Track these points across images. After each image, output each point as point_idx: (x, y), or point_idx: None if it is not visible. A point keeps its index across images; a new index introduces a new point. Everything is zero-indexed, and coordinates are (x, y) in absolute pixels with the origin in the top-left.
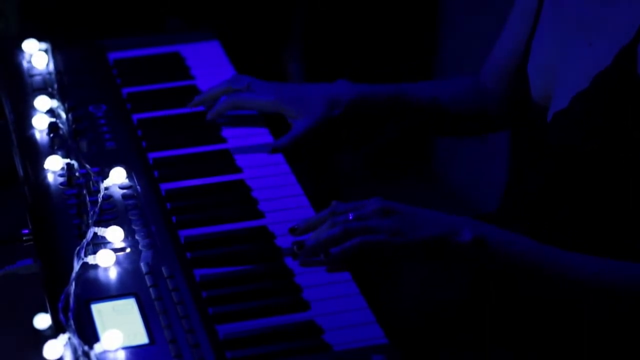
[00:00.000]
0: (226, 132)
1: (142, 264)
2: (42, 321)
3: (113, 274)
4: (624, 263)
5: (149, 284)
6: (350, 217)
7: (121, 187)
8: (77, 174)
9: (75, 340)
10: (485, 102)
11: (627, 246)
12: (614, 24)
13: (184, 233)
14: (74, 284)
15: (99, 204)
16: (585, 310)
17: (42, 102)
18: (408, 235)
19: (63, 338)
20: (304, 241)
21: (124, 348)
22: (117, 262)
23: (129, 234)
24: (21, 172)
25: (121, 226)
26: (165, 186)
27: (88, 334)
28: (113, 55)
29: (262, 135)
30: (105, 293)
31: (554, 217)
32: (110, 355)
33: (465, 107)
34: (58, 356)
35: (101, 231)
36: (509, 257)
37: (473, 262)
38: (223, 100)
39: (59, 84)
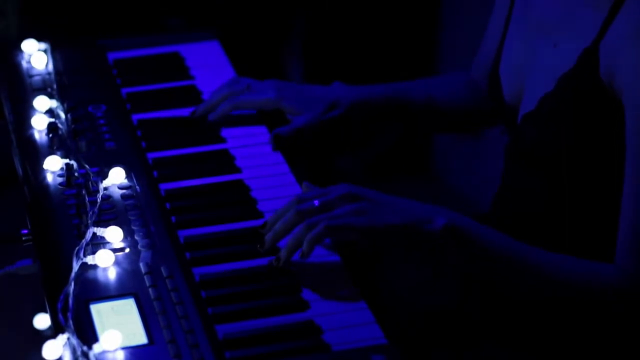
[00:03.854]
0: (225, 132)
1: (141, 264)
2: (41, 321)
3: (112, 274)
4: (600, 264)
5: (148, 284)
6: (316, 204)
7: (120, 187)
8: (76, 174)
9: (75, 341)
10: (478, 97)
11: (604, 246)
12: (577, 25)
13: (183, 233)
14: (73, 284)
15: (98, 204)
16: (553, 310)
17: (42, 102)
18: (375, 220)
19: (62, 338)
20: (277, 256)
21: (123, 348)
22: (116, 262)
23: (128, 234)
24: (20, 172)
25: (120, 226)
26: (164, 186)
27: (87, 334)
28: (113, 55)
29: (261, 135)
30: (105, 293)
31: (542, 218)
32: (109, 355)
33: (460, 104)
34: (57, 356)
35: (100, 231)
36: (480, 249)
37: (442, 251)
38: (224, 104)
39: (59, 84)
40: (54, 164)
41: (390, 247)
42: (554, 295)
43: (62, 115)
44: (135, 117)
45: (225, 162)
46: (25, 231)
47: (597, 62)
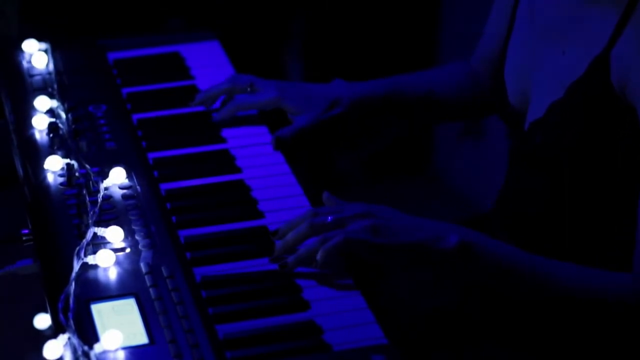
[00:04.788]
0: (226, 132)
1: (142, 264)
2: (42, 321)
3: (113, 274)
4: (609, 272)
5: (148, 284)
6: (330, 219)
7: (121, 187)
8: (77, 174)
9: (75, 341)
10: (478, 86)
11: (612, 253)
12: (586, 32)
13: (183, 233)
14: (73, 284)
15: (98, 204)
16: (570, 318)
17: (42, 102)
18: (388, 238)
19: (63, 338)
20: (286, 262)
21: (124, 348)
22: (117, 262)
23: (128, 234)
24: (21, 172)
25: (121, 226)
26: (165, 186)
27: (88, 334)
28: (113, 55)
29: (261, 135)
30: (105, 293)
31: (543, 219)
32: (110, 355)
33: (461, 94)
34: (58, 356)
35: (101, 231)
36: (494, 265)
37: (457, 269)
38: (228, 106)
39: (59, 84)
40: (54, 164)
41: (402, 264)
42: (569, 307)
43: (63, 115)
44: (136, 117)
45: (225, 162)
46: (26, 231)
47: (609, 70)
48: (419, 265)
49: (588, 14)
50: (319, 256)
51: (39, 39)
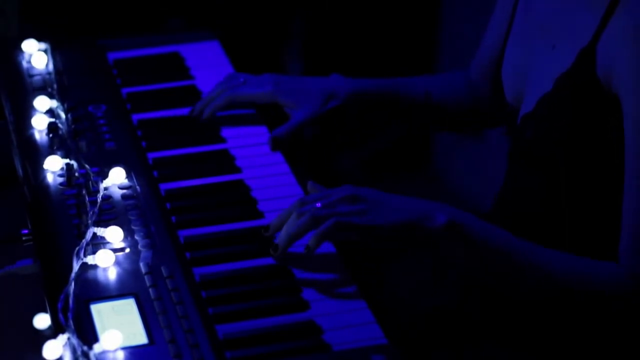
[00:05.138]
0: (225, 132)
1: (141, 264)
2: (41, 321)
3: (112, 274)
4: (602, 262)
5: (148, 284)
6: (318, 205)
7: (121, 187)
8: (76, 174)
9: (75, 341)
10: (476, 97)
11: (612, 252)
12: (574, 27)
13: (183, 233)
14: (73, 284)
15: (98, 204)
16: (555, 309)
17: (42, 102)
18: (377, 219)
19: (62, 338)
20: (276, 245)
21: (123, 348)
22: (117, 262)
23: (128, 234)
24: (21, 172)
25: (120, 226)
26: (164, 186)
27: (87, 334)
28: (113, 55)
29: (261, 135)
30: (105, 293)
31: (542, 218)
32: (110, 355)
33: (458, 102)
34: (57, 356)
35: (100, 231)
36: (482, 245)
37: (444, 248)
38: (221, 96)
39: (59, 84)
40: (54, 164)
41: (392, 245)
42: (554, 292)
43: (62, 115)
44: (135, 117)
45: (225, 162)
46: (26, 231)
47: (594, 62)
48: (408, 245)
49: (576, 8)
50: (310, 242)
51: (39, 39)
